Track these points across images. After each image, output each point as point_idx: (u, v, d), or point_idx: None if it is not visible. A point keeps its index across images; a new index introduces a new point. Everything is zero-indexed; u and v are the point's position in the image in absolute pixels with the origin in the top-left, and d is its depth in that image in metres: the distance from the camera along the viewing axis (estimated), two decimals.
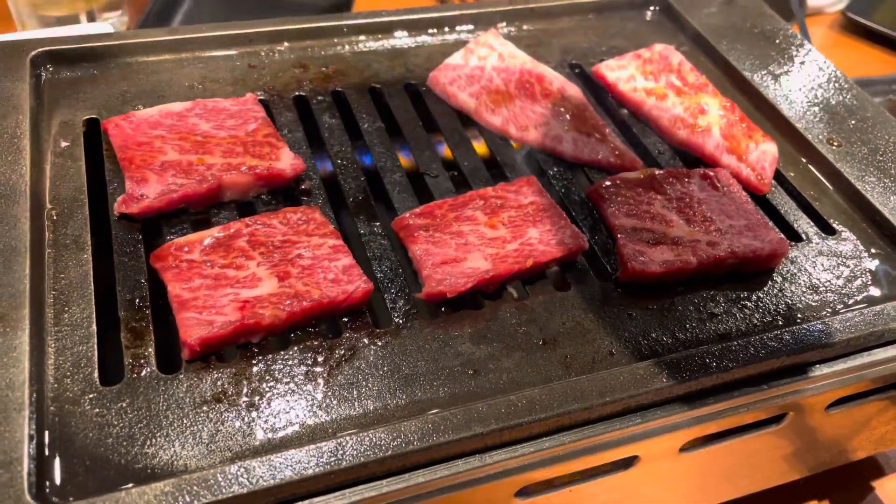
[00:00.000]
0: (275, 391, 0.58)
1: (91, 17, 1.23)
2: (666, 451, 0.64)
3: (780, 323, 0.68)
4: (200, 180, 0.70)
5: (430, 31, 0.97)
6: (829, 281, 0.72)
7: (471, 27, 0.98)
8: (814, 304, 0.70)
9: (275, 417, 0.57)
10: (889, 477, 0.88)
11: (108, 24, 1.24)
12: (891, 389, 0.72)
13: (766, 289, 0.71)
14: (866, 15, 1.54)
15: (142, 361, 0.59)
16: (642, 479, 0.66)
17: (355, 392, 0.59)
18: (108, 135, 0.75)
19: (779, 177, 0.83)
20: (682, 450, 0.65)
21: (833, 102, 0.90)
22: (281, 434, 0.56)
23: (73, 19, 1.22)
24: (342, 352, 0.62)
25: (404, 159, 0.82)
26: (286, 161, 0.74)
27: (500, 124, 0.85)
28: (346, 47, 0.93)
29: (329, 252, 0.66)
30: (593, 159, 0.82)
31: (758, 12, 1.05)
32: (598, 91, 0.93)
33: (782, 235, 0.74)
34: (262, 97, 0.84)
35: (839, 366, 0.66)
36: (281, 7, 1.38)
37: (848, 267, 0.73)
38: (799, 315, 0.69)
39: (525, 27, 1.01)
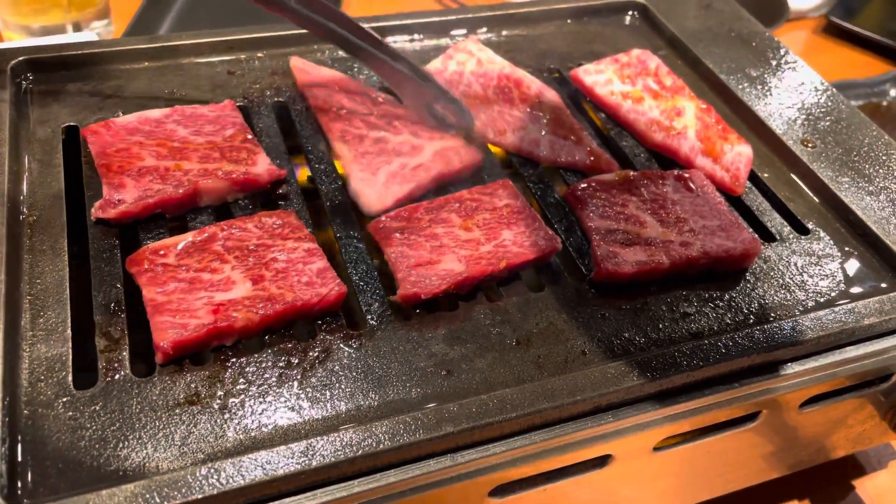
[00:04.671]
0: (248, 393, 0.59)
1: (77, 27, 1.24)
2: (639, 450, 0.65)
3: (752, 321, 0.68)
4: (177, 185, 0.70)
5: (410, 37, 0.98)
6: (802, 280, 0.73)
7: (453, 33, 0.99)
8: (786, 302, 0.70)
9: (247, 419, 0.57)
10: (869, 476, 0.89)
11: (94, 33, 1.25)
12: (865, 387, 0.73)
13: (738, 288, 0.71)
14: (849, 19, 1.56)
15: (116, 365, 0.59)
16: (617, 479, 0.67)
17: (328, 393, 0.59)
18: (87, 141, 0.75)
19: (754, 178, 0.84)
20: (657, 448, 0.66)
21: (808, 104, 0.91)
22: (253, 435, 0.56)
23: (60, 29, 1.23)
24: (316, 354, 0.62)
25: None
26: (263, 166, 0.74)
27: (478, 128, 0.86)
28: (326, 53, 0.94)
29: (303, 255, 0.67)
30: (570, 162, 0.83)
31: (735, 16, 1.06)
32: (576, 95, 0.94)
33: (755, 235, 0.75)
34: (240, 103, 0.84)
35: (811, 363, 0.66)
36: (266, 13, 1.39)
37: (821, 266, 0.74)
38: (771, 314, 0.69)
39: (504, 33, 1.01)
